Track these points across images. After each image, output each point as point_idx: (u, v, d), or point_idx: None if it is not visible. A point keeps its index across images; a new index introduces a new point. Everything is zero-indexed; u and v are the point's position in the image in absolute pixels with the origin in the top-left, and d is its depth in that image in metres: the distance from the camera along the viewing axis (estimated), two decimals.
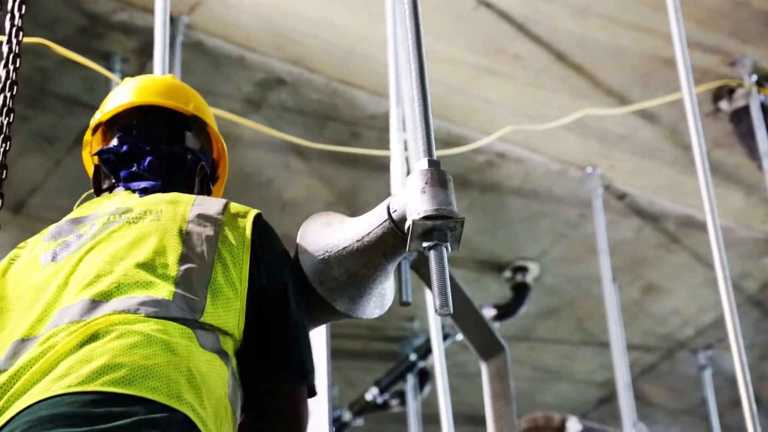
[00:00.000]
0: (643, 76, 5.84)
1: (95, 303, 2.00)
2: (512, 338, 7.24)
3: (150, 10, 5.03)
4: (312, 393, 2.18)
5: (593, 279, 6.81)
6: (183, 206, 2.25)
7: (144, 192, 2.39)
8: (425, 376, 7.85)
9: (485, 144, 6.05)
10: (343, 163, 6.17)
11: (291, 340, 2.14)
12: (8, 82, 2.46)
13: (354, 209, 6.35)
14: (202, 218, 2.22)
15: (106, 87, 5.58)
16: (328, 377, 2.94)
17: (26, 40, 2.57)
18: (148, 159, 2.45)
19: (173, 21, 5.20)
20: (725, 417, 8.06)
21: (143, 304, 1.99)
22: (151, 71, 5.31)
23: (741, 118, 5.90)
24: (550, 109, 5.95)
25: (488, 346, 3.51)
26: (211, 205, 2.27)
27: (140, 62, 5.54)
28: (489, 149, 6.20)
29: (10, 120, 2.45)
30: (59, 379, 1.84)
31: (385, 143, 4.76)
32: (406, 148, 4.03)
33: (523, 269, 7.17)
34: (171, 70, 5.22)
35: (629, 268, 7.14)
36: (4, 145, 2.41)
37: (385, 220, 2.14)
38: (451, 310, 1.97)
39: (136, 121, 2.50)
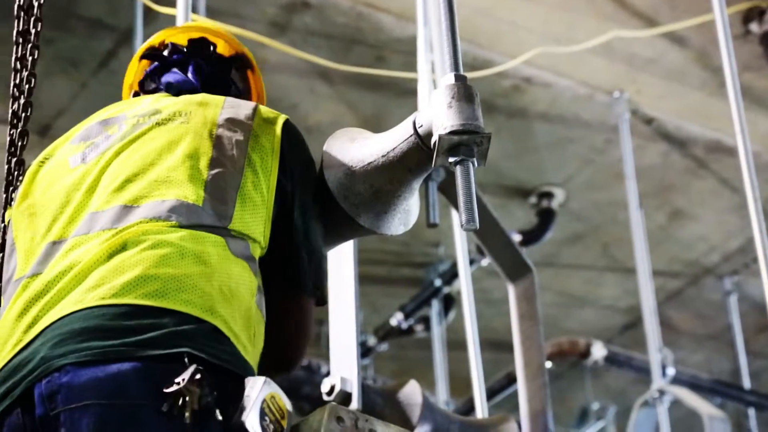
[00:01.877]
0: None
1: (126, 209, 1.99)
2: (537, 264, 7.16)
3: None
4: (319, 303, 2.20)
5: (619, 205, 6.78)
6: (213, 109, 2.23)
7: (177, 90, 2.36)
8: (450, 302, 7.86)
9: (511, 68, 6.00)
10: (368, 87, 6.13)
11: (293, 251, 2.14)
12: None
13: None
14: (232, 122, 2.19)
15: (130, 9, 5.55)
16: (355, 302, 2.94)
17: None
18: (193, 65, 2.44)
19: None
20: (750, 343, 8.06)
21: (173, 210, 1.98)
22: None
23: None
24: (577, 32, 5.89)
25: (515, 267, 3.50)
26: (241, 108, 2.24)
27: None
28: (515, 73, 6.15)
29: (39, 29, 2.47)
30: (92, 289, 1.84)
31: (410, 67, 4.72)
32: (433, 70, 3.99)
33: (549, 195, 7.14)
34: None
35: (656, 193, 7.10)
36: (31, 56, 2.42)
37: (411, 135, 2.12)
38: (477, 225, 1.96)
39: (187, 48, 2.49)
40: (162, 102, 2.28)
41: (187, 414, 1.69)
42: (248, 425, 1.73)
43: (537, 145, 6.68)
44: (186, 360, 1.75)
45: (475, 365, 3.89)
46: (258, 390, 1.76)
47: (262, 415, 1.75)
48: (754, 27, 5.83)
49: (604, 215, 7.34)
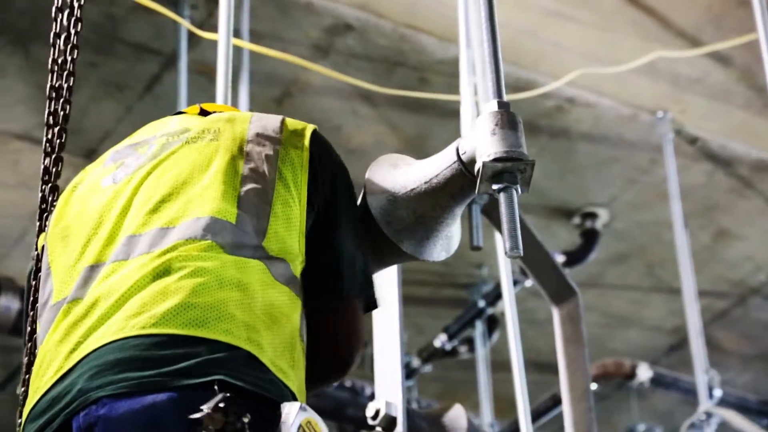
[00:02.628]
0: (716, 17, 5.73)
1: (163, 231, 1.97)
2: (581, 285, 7.15)
3: None
4: (369, 307, 2.15)
5: (664, 224, 6.74)
6: (240, 124, 2.20)
7: (204, 111, 2.35)
8: (494, 323, 7.84)
9: (554, 88, 5.99)
10: (411, 109, 6.14)
11: (336, 256, 2.10)
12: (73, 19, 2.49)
13: (422, 155, 6.26)
14: (261, 137, 2.15)
15: (175, 34, 5.60)
16: (399, 325, 2.94)
17: None
18: None
19: None
20: None
21: (207, 228, 1.95)
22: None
23: None
24: (620, 52, 5.87)
25: (560, 290, 3.49)
26: (269, 122, 2.21)
27: (209, 8, 5.54)
28: (558, 94, 6.14)
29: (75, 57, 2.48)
30: (132, 317, 1.83)
31: (452, 89, 4.72)
32: (475, 93, 3.99)
33: (593, 215, 7.11)
34: (239, 16, 5.22)
35: (701, 213, 7.05)
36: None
37: (454, 162, 2.12)
38: (521, 252, 1.96)
39: None
40: (190, 121, 2.26)
41: None
42: None
43: (580, 166, 6.66)
44: (216, 387, 1.73)
45: (520, 387, 3.87)
46: (294, 416, 1.74)
47: None
48: None
49: (648, 235, 7.30)
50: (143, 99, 5.95)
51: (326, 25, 5.65)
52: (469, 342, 7.94)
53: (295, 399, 1.87)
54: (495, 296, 7.47)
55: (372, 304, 2.14)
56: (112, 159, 2.22)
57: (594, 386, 7.06)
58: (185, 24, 5.41)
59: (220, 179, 2.04)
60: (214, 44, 5.41)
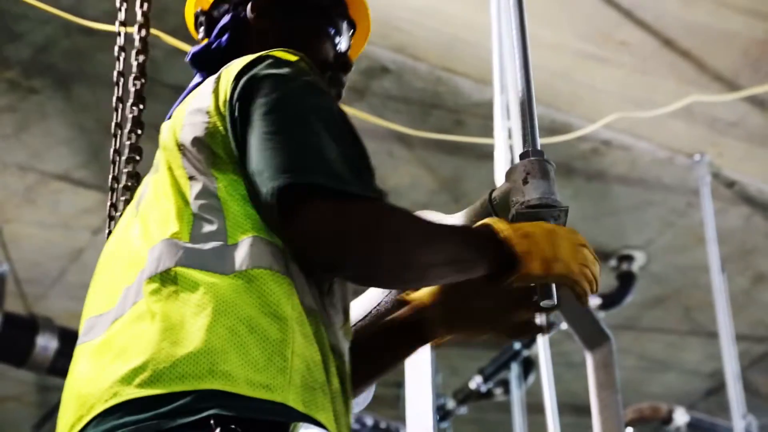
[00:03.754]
0: (754, 61, 5.73)
1: (128, 290, 1.84)
2: (618, 327, 7.17)
3: None
4: (359, 195, 1.78)
5: (701, 268, 6.71)
6: (183, 106, 2.00)
7: (199, 63, 2.21)
8: (529, 365, 7.80)
9: (591, 131, 5.99)
10: (446, 151, 6.16)
11: (257, 155, 1.81)
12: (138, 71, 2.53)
13: (457, 197, 6.34)
14: (195, 114, 1.93)
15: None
16: (432, 365, 2.94)
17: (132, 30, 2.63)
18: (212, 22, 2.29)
19: None
20: None
21: (159, 258, 1.79)
22: None
23: None
24: (656, 95, 5.87)
25: (593, 336, 3.48)
26: (209, 82, 1.98)
27: None
28: (594, 137, 6.14)
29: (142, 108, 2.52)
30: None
31: (488, 131, 4.74)
32: (510, 136, 4.01)
33: (629, 258, 7.09)
34: None
35: (738, 257, 7.02)
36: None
37: (487, 212, 2.13)
38: (555, 302, 1.96)
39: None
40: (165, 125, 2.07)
41: None
42: None
43: (617, 208, 6.65)
44: (212, 422, 1.63)
45: (553, 430, 3.86)
46: None
47: None
48: None
49: (685, 278, 7.26)
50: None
51: (363, 67, 5.69)
52: (505, 384, 7.90)
53: (289, 410, 1.70)
54: (531, 338, 7.44)
55: (352, 192, 1.77)
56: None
57: (630, 430, 7.01)
58: None
59: (166, 200, 1.89)
60: None
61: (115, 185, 2.53)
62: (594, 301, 7.04)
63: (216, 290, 1.73)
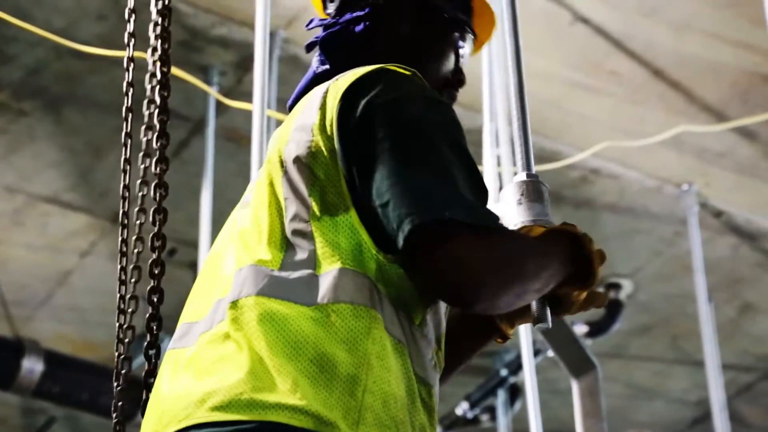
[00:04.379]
0: (743, 92, 5.76)
1: (218, 304, 1.83)
2: (605, 355, 7.18)
3: (248, 25, 5.09)
4: (483, 226, 1.71)
5: (688, 297, 6.72)
6: (288, 122, 1.93)
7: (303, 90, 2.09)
8: (516, 392, 7.81)
9: (580, 160, 6.01)
10: None
11: (377, 204, 1.75)
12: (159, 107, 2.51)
13: None
14: (300, 131, 1.87)
15: (204, 100, 5.67)
16: None
17: (138, 54, 2.62)
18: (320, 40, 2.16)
19: (271, 35, 5.25)
20: None
21: (243, 283, 1.78)
22: (248, 84, 5.37)
23: None
24: (646, 125, 5.90)
25: (579, 364, 3.49)
26: (314, 101, 1.89)
27: (237, 75, 5.61)
28: (583, 165, 6.16)
29: (165, 143, 2.49)
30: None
31: (477, 158, 4.74)
32: (499, 163, 4.02)
33: (617, 286, 7.10)
34: (268, 84, 5.28)
35: (726, 286, 7.04)
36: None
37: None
38: (550, 324, 1.93)
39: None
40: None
41: None
42: None
43: (605, 236, 6.67)
44: None
45: None
46: None
47: None
48: None
49: (672, 307, 7.28)
50: (171, 164, 5.98)
51: None
52: (491, 410, 7.90)
53: None
54: (517, 365, 7.44)
55: (457, 222, 1.69)
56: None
57: None
58: (212, 92, 5.47)
59: (264, 218, 1.85)
60: (242, 110, 5.48)
61: (126, 221, 2.49)
62: (581, 329, 7.04)
63: (291, 325, 1.72)
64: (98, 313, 6.78)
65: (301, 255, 1.77)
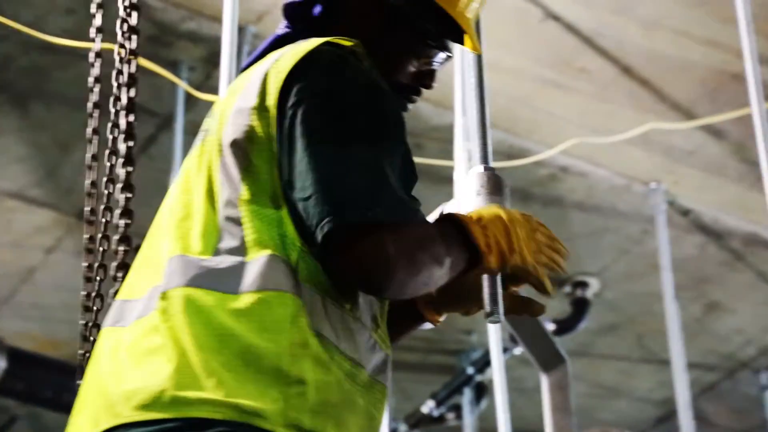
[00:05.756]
0: (711, 90, 5.78)
1: (153, 291, 1.80)
2: (571, 354, 7.11)
3: (218, 20, 5.04)
4: (374, 223, 1.72)
5: (654, 296, 6.75)
6: (230, 96, 1.89)
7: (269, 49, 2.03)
8: (482, 390, 7.81)
9: (548, 157, 6.02)
10: None
11: (297, 198, 1.75)
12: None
13: None
14: (238, 114, 1.84)
15: (172, 95, 5.63)
16: (390, 392, 2.93)
17: (105, 46, 2.58)
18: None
19: (240, 30, 5.23)
20: None
21: (172, 274, 1.77)
22: (217, 80, 5.34)
23: None
24: (614, 122, 5.91)
25: (549, 358, 3.48)
26: (257, 78, 1.86)
27: (207, 70, 5.58)
28: (552, 163, 6.17)
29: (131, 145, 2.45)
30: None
31: (447, 155, 4.74)
32: (470, 158, 4.01)
33: (584, 284, 7.12)
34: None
35: (692, 285, 7.06)
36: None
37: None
38: (502, 317, 1.93)
39: None
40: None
41: None
42: None
43: (572, 234, 6.68)
44: None
45: None
46: None
47: None
48: None
49: (639, 306, 7.30)
50: (138, 160, 5.93)
51: None
52: (457, 409, 7.91)
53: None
54: (484, 363, 7.45)
55: (368, 222, 1.72)
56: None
57: None
58: (183, 85, 5.44)
59: (191, 205, 1.83)
60: (210, 105, 5.45)
61: (92, 218, 2.47)
62: (548, 327, 7.05)
63: (216, 317, 1.71)
64: (62, 310, 6.73)
65: (231, 242, 1.76)
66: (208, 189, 1.82)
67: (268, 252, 1.74)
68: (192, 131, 5.78)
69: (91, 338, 2.35)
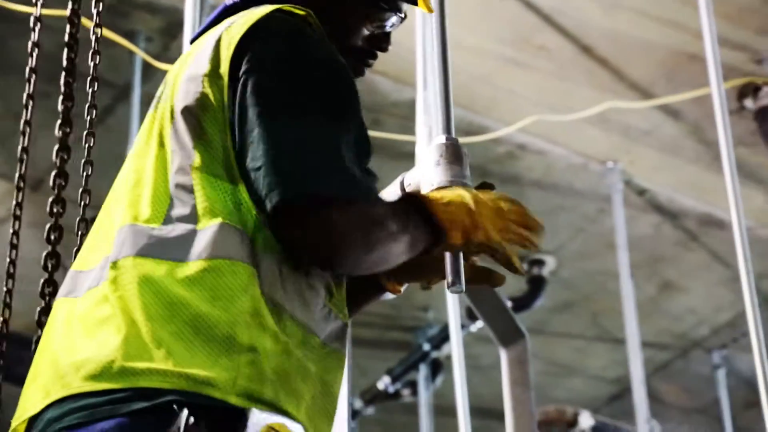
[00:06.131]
0: (669, 71, 5.81)
1: (105, 261, 1.79)
2: (527, 331, 7.21)
3: None
4: (327, 200, 1.71)
5: (610, 274, 6.79)
6: (180, 65, 1.89)
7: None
8: (438, 367, 7.84)
9: (507, 135, 6.03)
10: None
11: (255, 143, 1.74)
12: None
13: None
14: (190, 80, 1.82)
15: (130, 65, 5.58)
16: (348, 368, 2.92)
17: (51, 13, 2.56)
18: None
19: (202, 1, 5.19)
20: (737, 418, 8.02)
21: (122, 243, 1.75)
22: (175, 51, 5.31)
23: (766, 116, 5.86)
24: (573, 101, 5.93)
25: (508, 333, 3.47)
26: (208, 45, 1.85)
27: (164, 42, 5.53)
28: (510, 140, 6.18)
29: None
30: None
31: (406, 130, 4.74)
32: (430, 134, 4.00)
33: (540, 262, 7.14)
34: None
35: (647, 264, 7.11)
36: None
37: (398, 195, 2.11)
38: (463, 287, 1.92)
39: None
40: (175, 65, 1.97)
41: None
42: None
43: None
44: (175, 407, 1.60)
45: (464, 430, 3.87)
46: (248, 425, 1.63)
47: None
48: (748, 103, 5.88)
49: (594, 284, 7.34)
50: (96, 131, 5.90)
51: None
52: (413, 385, 7.92)
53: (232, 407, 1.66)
54: (440, 339, 7.47)
55: (323, 196, 1.71)
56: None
57: None
58: (141, 54, 5.39)
59: (143, 176, 1.81)
60: None
61: (22, 184, 2.46)
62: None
63: (166, 286, 1.69)
64: (14, 281, 6.66)
65: (182, 210, 1.74)
66: (160, 156, 1.80)
67: (219, 220, 1.72)
68: (149, 102, 5.74)
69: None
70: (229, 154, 1.77)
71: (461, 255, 1.93)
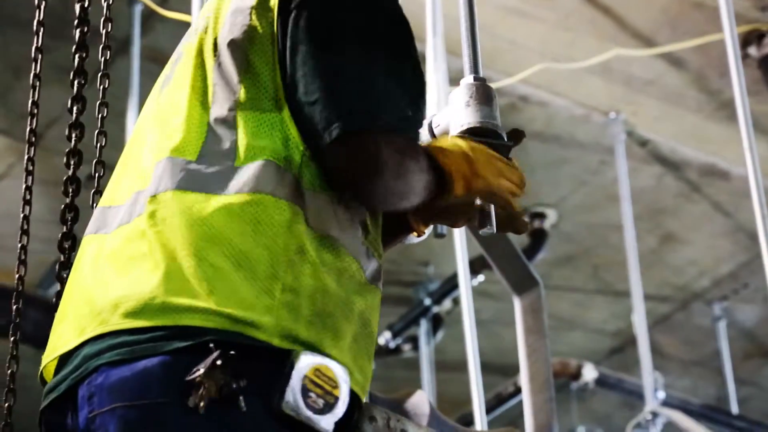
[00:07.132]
0: (673, 19, 5.76)
1: (137, 195, 1.77)
2: None
3: None
4: (385, 129, 1.72)
5: (611, 227, 6.77)
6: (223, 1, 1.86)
7: None
8: (438, 322, 7.83)
9: (508, 86, 5.98)
10: None
11: (309, 77, 1.72)
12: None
13: None
14: (237, 13, 1.81)
15: (128, 20, 5.52)
16: None
17: None
18: None
19: None
20: (737, 370, 8.04)
21: (161, 177, 1.73)
22: (175, 3, 5.24)
23: None
24: (576, 51, 5.88)
25: (522, 280, 3.46)
26: None
27: None
28: (512, 92, 6.13)
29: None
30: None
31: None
32: (439, 83, 3.96)
33: (541, 215, 7.11)
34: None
35: (648, 216, 7.08)
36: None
37: (427, 136, 2.08)
38: (495, 228, 1.91)
39: None
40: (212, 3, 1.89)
41: (201, 405, 1.55)
42: (287, 409, 1.59)
43: (531, 165, 6.66)
44: (212, 346, 1.58)
45: (475, 379, 3.87)
46: (295, 367, 1.61)
47: (305, 392, 1.60)
48: (752, 51, 5.82)
49: (595, 237, 7.32)
50: (93, 85, 5.83)
51: None
52: (414, 340, 7.92)
53: (275, 346, 1.64)
54: (440, 295, 7.46)
55: (367, 127, 1.72)
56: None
57: None
58: (146, 0, 5.30)
59: (190, 101, 1.79)
60: (168, 31, 5.34)
61: (33, 138, 2.43)
62: None
63: (207, 220, 1.67)
64: (14, 238, 6.62)
65: (221, 145, 1.72)
66: (198, 89, 1.77)
67: (262, 158, 1.70)
68: (148, 56, 5.68)
69: None
70: (277, 88, 1.74)
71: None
